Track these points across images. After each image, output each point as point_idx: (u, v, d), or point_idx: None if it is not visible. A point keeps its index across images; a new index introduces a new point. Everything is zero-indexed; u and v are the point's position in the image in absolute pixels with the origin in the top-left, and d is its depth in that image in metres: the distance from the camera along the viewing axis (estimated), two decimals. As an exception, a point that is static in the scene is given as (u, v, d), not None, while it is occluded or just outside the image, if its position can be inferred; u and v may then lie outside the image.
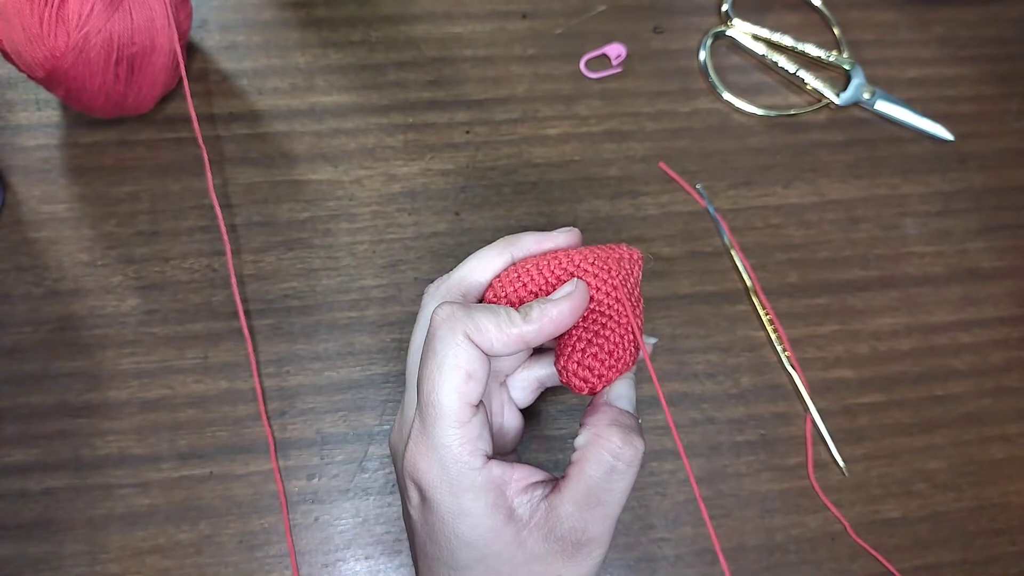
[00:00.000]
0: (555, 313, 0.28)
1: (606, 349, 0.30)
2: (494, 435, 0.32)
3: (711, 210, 0.47)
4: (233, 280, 0.42)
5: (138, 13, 0.39)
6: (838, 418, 0.43)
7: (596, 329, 0.30)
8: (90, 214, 0.44)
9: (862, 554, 0.41)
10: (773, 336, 0.44)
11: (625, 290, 0.31)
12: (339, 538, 0.39)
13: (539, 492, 0.28)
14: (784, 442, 0.43)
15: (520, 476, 0.28)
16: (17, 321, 0.41)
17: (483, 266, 0.32)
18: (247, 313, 0.42)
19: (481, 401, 0.28)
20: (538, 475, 0.29)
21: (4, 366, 0.40)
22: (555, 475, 0.30)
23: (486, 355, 0.28)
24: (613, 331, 0.30)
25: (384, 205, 0.45)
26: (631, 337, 0.31)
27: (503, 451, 0.34)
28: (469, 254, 0.31)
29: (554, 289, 0.31)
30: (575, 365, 0.30)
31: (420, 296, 0.43)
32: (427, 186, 0.46)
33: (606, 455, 0.28)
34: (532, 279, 0.31)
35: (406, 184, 0.46)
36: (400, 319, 0.43)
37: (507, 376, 0.34)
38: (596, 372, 0.30)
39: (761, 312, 0.45)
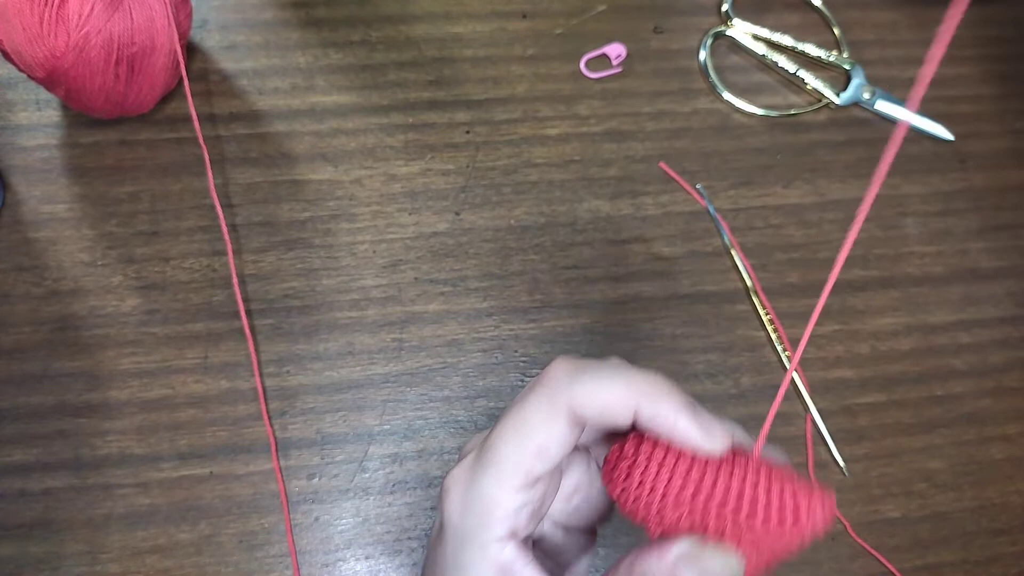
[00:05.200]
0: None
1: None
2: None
3: (711, 210, 0.47)
4: (234, 280, 0.42)
5: (138, 13, 0.39)
6: (838, 418, 0.43)
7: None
8: (90, 214, 0.44)
9: (862, 554, 0.41)
10: (773, 336, 0.44)
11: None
12: (339, 538, 0.39)
13: None
14: (784, 442, 0.43)
15: None
16: (17, 321, 0.41)
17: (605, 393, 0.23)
18: (247, 313, 0.42)
19: (554, 471, 0.24)
20: None
21: (4, 366, 0.40)
22: None
23: (580, 431, 0.24)
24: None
25: (384, 205, 0.45)
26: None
27: (579, 524, 0.28)
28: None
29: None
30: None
31: (420, 296, 0.43)
32: (427, 186, 0.46)
33: None
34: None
35: (406, 184, 0.46)
36: (400, 319, 0.43)
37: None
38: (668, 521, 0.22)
39: (761, 312, 0.45)
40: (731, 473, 0.22)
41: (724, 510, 0.21)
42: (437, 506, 0.26)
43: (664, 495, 0.22)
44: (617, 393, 0.23)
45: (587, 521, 0.27)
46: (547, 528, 0.27)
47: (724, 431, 0.23)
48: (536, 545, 0.26)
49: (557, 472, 0.25)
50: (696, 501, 0.21)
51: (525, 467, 0.23)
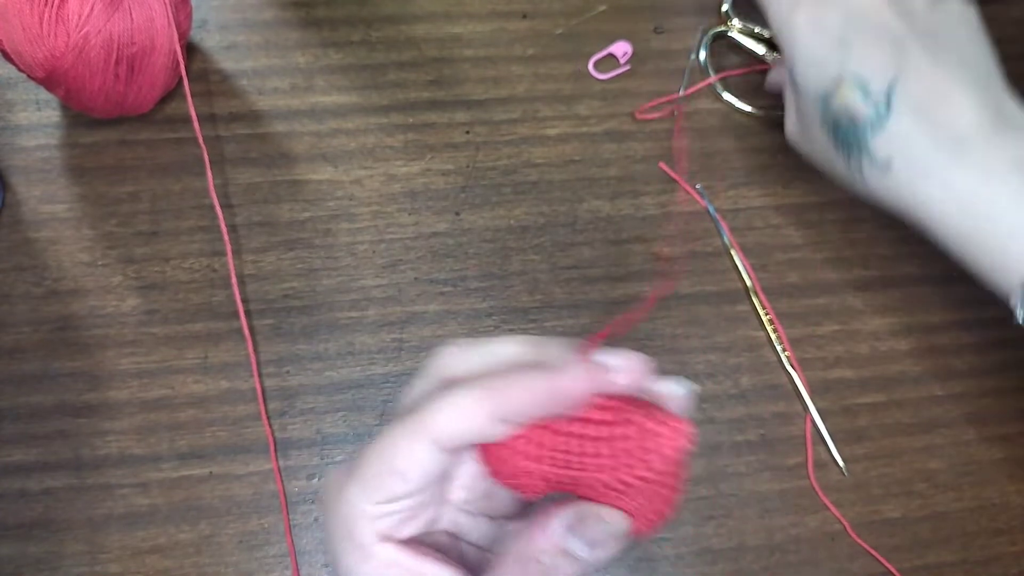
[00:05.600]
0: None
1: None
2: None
3: (711, 210, 0.47)
4: (233, 280, 0.42)
5: (138, 13, 0.39)
6: (838, 418, 0.43)
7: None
8: (90, 214, 0.44)
9: (862, 554, 0.41)
10: (773, 336, 0.44)
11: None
12: (339, 538, 0.39)
13: None
14: (784, 442, 0.43)
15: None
16: (17, 321, 0.41)
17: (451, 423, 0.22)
18: (247, 313, 0.42)
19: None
20: None
21: (4, 366, 0.40)
22: None
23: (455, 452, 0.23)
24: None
25: (384, 205, 0.45)
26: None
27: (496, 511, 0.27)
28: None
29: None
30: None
31: (420, 296, 0.43)
32: (427, 186, 0.46)
33: (533, 563, 0.23)
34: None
35: (406, 184, 0.46)
36: (400, 319, 0.43)
37: None
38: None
39: (761, 312, 0.45)
40: (570, 423, 0.22)
41: (578, 461, 0.22)
42: None
43: (526, 459, 0.22)
44: (472, 418, 0.22)
45: (506, 507, 0.27)
46: (463, 520, 0.26)
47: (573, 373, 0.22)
48: (459, 538, 0.26)
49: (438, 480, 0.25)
50: (554, 461, 0.22)
51: (385, 489, 0.23)
